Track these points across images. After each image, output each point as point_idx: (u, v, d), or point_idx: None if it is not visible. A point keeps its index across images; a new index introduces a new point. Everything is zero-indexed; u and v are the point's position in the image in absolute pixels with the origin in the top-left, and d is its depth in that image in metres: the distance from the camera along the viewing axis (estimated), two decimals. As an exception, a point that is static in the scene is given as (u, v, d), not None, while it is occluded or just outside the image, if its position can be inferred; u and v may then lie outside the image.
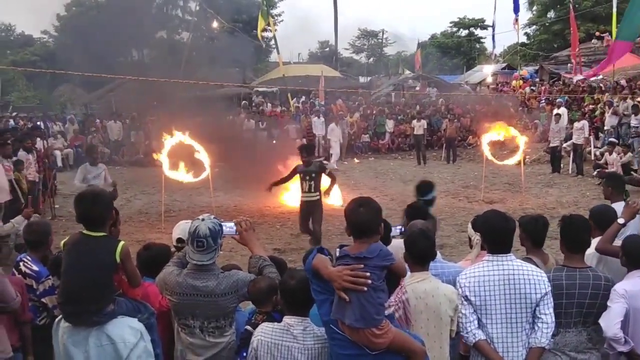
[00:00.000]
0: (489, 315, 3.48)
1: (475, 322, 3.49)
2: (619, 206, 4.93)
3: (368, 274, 2.82)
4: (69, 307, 3.30)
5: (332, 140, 21.31)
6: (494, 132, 14.25)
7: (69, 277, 3.31)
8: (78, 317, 3.29)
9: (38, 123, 21.33)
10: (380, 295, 2.89)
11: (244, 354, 3.37)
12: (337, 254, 2.97)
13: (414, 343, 3.02)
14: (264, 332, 3.22)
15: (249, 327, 3.48)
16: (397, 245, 4.47)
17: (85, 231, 3.36)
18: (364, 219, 2.95)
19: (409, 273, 3.59)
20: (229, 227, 3.64)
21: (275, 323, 3.28)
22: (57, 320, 3.46)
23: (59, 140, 21.05)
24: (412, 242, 3.58)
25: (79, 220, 3.37)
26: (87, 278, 3.26)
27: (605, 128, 18.70)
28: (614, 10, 21.19)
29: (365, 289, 2.80)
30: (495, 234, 3.60)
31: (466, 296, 3.50)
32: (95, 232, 3.33)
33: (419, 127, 21.87)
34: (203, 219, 3.44)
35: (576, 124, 17.58)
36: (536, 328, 3.45)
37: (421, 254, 3.56)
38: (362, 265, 2.84)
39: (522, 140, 14.75)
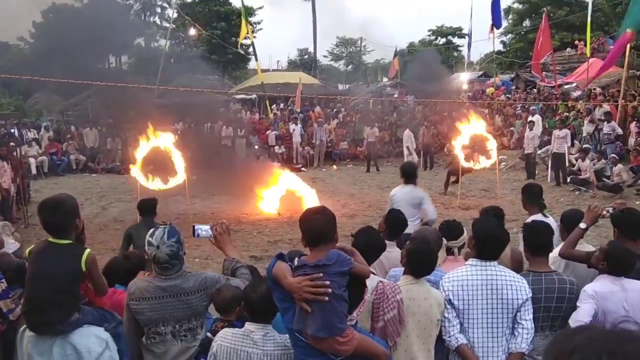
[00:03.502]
0: (470, 319, 3.52)
1: (458, 326, 3.52)
2: (535, 218, 5.03)
3: (328, 282, 2.76)
4: (33, 317, 3.25)
5: (411, 147, 20.17)
6: (466, 137, 14.30)
7: (33, 285, 3.26)
8: (42, 327, 3.24)
9: (12, 130, 20.99)
10: (342, 304, 2.82)
11: None
12: (296, 264, 2.91)
13: (377, 347, 3.02)
14: (224, 337, 3.20)
15: (209, 334, 3.47)
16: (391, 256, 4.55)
17: (51, 239, 3.32)
18: (319, 225, 2.92)
19: (402, 275, 3.64)
20: (204, 230, 3.73)
21: (236, 329, 3.27)
22: (21, 329, 3.41)
23: (33, 148, 20.75)
24: (415, 253, 3.61)
25: (44, 228, 3.34)
26: (52, 286, 3.21)
27: (583, 135, 18.92)
28: (589, 19, 21.49)
29: (327, 298, 2.74)
30: (489, 241, 3.64)
31: (449, 300, 3.54)
32: (60, 239, 3.29)
33: (372, 134, 21.88)
34: (158, 247, 3.32)
35: (557, 132, 16.91)
36: (516, 333, 3.49)
37: (420, 267, 3.59)
38: (321, 274, 2.78)
39: (494, 145, 14.79)
